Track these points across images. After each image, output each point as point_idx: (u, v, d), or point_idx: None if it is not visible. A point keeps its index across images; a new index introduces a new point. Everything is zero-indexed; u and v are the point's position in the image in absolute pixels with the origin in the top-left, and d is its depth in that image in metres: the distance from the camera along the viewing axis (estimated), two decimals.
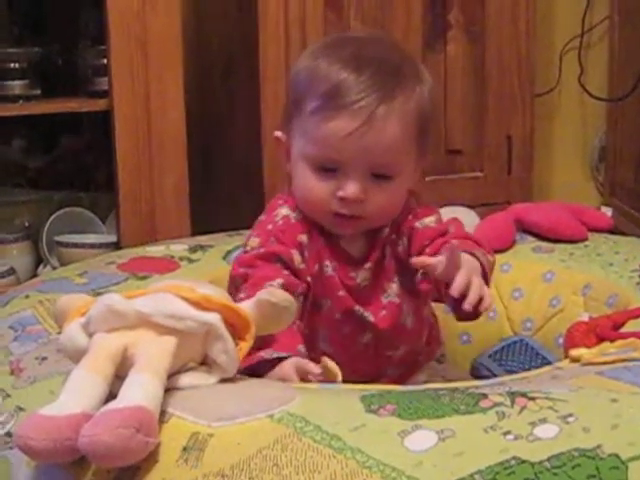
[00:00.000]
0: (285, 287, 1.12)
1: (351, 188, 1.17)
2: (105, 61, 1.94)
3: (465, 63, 2.33)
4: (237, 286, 1.17)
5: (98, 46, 1.98)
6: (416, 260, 1.18)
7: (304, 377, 1.03)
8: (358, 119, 1.14)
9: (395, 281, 1.26)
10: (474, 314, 1.15)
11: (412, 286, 1.27)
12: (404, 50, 1.24)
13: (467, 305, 1.11)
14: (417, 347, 1.30)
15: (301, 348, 1.11)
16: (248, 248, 1.21)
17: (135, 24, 1.90)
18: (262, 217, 1.25)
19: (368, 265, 1.24)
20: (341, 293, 1.23)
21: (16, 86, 1.98)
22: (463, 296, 1.12)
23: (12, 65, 1.99)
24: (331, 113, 1.15)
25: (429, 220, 1.26)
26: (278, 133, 1.26)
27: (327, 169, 1.18)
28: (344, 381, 1.04)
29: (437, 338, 1.36)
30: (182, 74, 1.94)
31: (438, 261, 1.14)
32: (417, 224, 1.26)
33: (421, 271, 1.23)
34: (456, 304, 1.15)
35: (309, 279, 1.20)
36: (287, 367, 1.05)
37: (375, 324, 1.24)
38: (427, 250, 1.22)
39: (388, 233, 1.25)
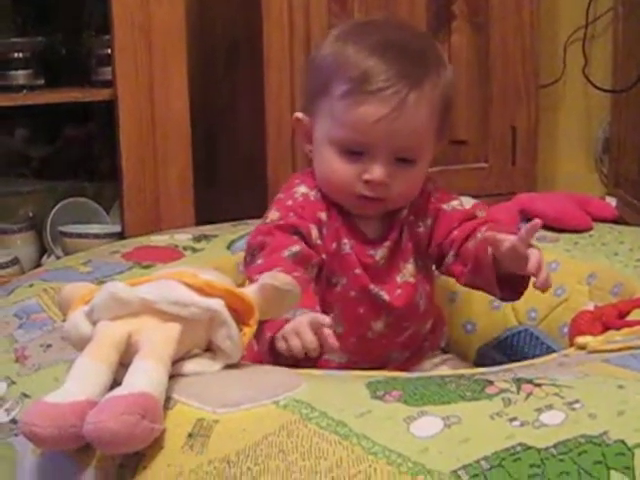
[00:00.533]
0: (301, 255, 1.16)
1: (377, 172, 1.19)
2: (109, 51, 1.94)
3: (469, 54, 2.33)
4: (254, 254, 1.19)
5: (102, 36, 1.97)
6: (488, 234, 1.18)
7: (317, 330, 1.03)
8: (388, 105, 1.16)
9: (411, 262, 1.27)
10: (519, 293, 1.21)
11: (427, 269, 1.30)
12: (426, 35, 1.28)
13: (540, 283, 1.14)
14: (423, 331, 1.30)
15: (318, 309, 1.13)
16: (268, 220, 1.22)
17: (139, 14, 1.90)
18: (280, 195, 1.26)
19: (386, 244, 1.25)
20: (357, 271, 1.23)
21: (20, 76, 1.98)
22: (517, 277, 1.17)
23: (16, 55, 1.99)
24: (361, 98, 1.16)
25: (456, 203, 1.29)
26: (299, 114, 1.26)
27: (353, 152, 1.19)
28: (350, 368, 1.04)
29: (441, 326, 1.36)
30: (186, 64, 1.94)
31: (508, 239, 1.14)
32: (444, 206, 1.28)
33: (452, 252, 1.25)
34: (503, 283, 1.19)
35: (324, 256, 1.21)
36: (301, 318, 1.05)
37: (390, 302, 1.24)
38: (455, 232, 1.25)
39: (406, 214, 1.27)
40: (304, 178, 1.27)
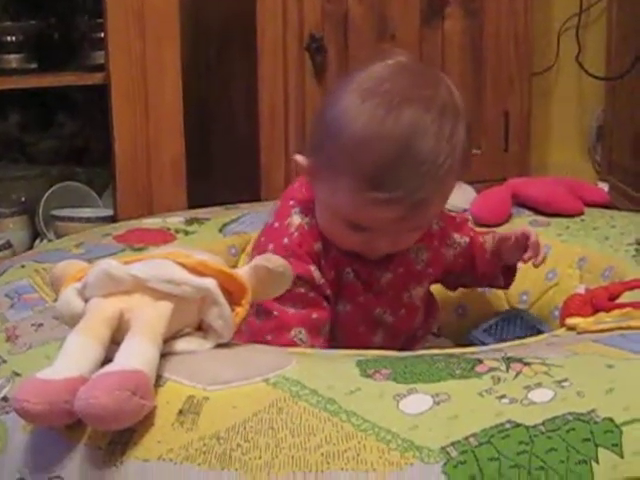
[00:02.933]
0: (310, 330, 1.15)
1: (384, 247, 1.17)
2: (102, 35, 1.94)
3: (462, 40, 2.33)
4: (259, 314, 1.16)
5: (95, 19, 1.97)
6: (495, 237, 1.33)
7: None
8: (406, 210, 1.10)
9: (425, 286, 1.28)
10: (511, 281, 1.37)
11: (430, 295, 1.34)
12: (444, 80, 1.16)
13: (538, 261, 1.31)
14: (417, 329, 1.31)
15: None
16: None
17: None
18: (274, 223, 1.21)
19: (391, 267, 1.23)
20: (361, 299, 1.22)
21: (12, 59, 1.99)
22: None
23: (8, 38, 1.99)
24: (375, 203, 1.09)
25: (457, 237, 1.33)
26: (299, 159, 1.19)
27: (359, 227, 1.14)
28: None
29: (434, 312, 1.36)
30: (179, 48, 1.94)
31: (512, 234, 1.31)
32: (450, 253, 1.32)
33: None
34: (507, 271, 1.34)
35: (328, 292, 1.18)
36: None
37: (393, 324, 1.24)
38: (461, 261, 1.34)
39: (431, 230, 1.26)
40: (298, 200, 1.22)
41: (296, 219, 1.19)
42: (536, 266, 1.32)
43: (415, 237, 1.20)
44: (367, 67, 1.14)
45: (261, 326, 1.15)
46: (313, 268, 1.17)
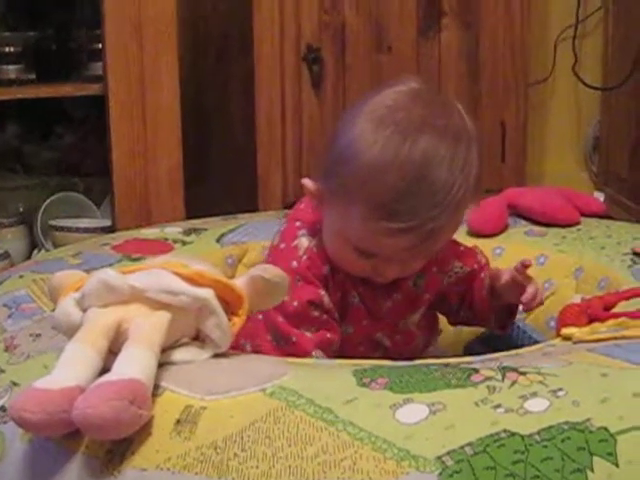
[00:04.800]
0: (325, 351, 1.16)
1: (392, 274, 1.17)
2: (100, 46, 1.94)
3: (459, 51, 2.34)
4: (279, 340, 1.17)
5: (93, 31, 1.98)
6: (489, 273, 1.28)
7: None
8: (418, 237, 1.09)
9: (420, 312, 1.27)
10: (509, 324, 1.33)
11: (433, 318, 1.33)
12: (455, 106, 1.16)
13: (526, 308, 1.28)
14: (417, 348, 1.32)
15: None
16: None
17: (130, 9, 1.91)
18: (281, 245, 1.21)
19: (396, 296, 1.23)
20: (365, 323, 1.23)
21: (11, 70, 1.99)
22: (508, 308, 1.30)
23: (7, 49, 2.00)
24: (389, 231, 1.09)
25: (458, 267, 1.31)
26: (307, 183, 1.18)
27: (369, 253, 1.14)
28: None
29: (436, 328, 1.37)
30: (177, 58, 1.95)
31: (507, 272, 1.25)
32: (445, 280, 1.30)
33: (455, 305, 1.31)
34: (502, 314, 1.30)
35: (337, 315, 1.19)
36: None
37: (390, 348, 1.25)
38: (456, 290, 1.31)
39: (429, 267, 1.25)
40: (304, 221, 1.21)
41: (304, 241, 1.19)
42: (527, 310, 1.30)
43: (423, 263, 1.20)
44: (379, 93, 1.13)
45: (282, 352, 1.14)
46: (322, 292, 1.17)
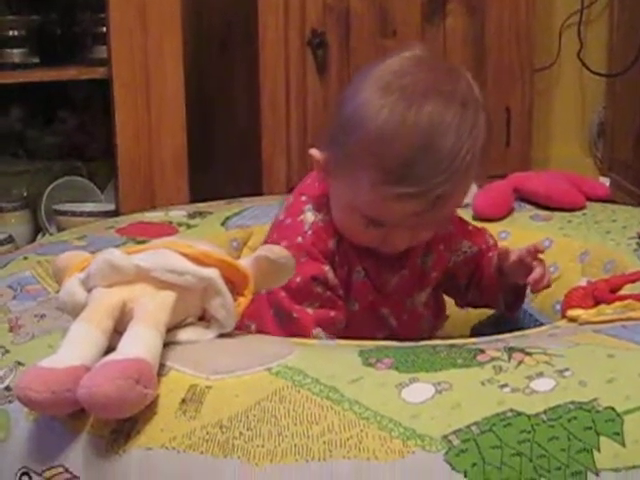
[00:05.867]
0: (328, 329, 1.15)
1: (402, 243, 1.16)
2: (104, 29, 1.94)
3: (464, 36, 2.33)
4: (281, 316, 1.16)
5: (97, 14, 1.97)
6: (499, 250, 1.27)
7: None
8: (429, 204, 1.09)
9: (427, 291, 1.27)
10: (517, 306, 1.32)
11: (439, 303, 1.33)
12: (462, 72, 1.15)
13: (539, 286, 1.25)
14: (423, 331, 1.31)
15: None
16: None
17: None
18: (286, 220, 1.20)
19: (404, 272, 1.23)
20: (371, 297, 1.22)
21: (15, 54, 1.99)
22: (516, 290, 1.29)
23: (11, 33, 1.99)
24: (399, 197, 1.08)
25: (467, 246, 1.31)
26: (315, 153, 1.17)
27: (376, 222, 1.14)
28: None
29: (443, 312, 1.36)
30: (181, 42, 1.94)
31: (515, 251, 1.24)
32: (453, 259, 1.30)
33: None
34: (510, 295, 1.29)
35: (341, 292, 1.18)
36: None
37: (396, 328, 1.24)
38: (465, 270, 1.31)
39: (433, 244, 1.25)
40: (310, 195, 1.21)
41: (309, 216, 1.18)
42: (534, 291, 1.29)
43: (432, 232, 1.19)
44: (384, 60, 1.13)
45: (283, 328, 1.14)
46: (327, 268, 1.16)
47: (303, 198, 1.21)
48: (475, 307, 1.40)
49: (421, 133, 1.06)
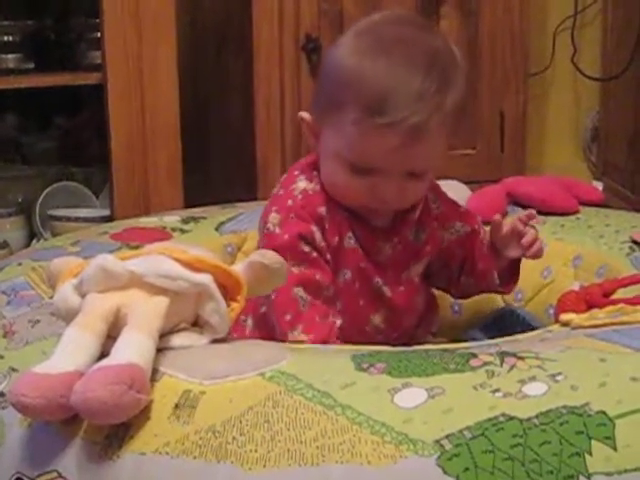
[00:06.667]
0: (311, 290, 1.17)
1: (389, 193, 1.17)
2: (98, 35, 1.94)
3: (458, 40, 2.32)
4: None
5: (91, 19, 1.98)
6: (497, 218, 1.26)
7: None
8: (405, 134, 1.12)
9: (422, 263, 1.28)
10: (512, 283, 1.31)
11: (431, 297, 1.34)
12: (441, 34, 1.21)
13: (530, 254, 1.25)
14: (416, 322, 1.32)
15: (336, 341, 1.16)
16: (269, 225, 1.19)
17: None
18: (280, 192, 1.23)
19: (395, 239, 1.24)
20: (362, 265, 1.23)
21: (9, 59, 1.99)
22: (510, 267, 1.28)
23: (5, 38, 1.99)
24: (378, 129, 1.12)
25: (459, 226, 1.32)
26: (305, 115, 1.23)
27: (364, 170, 1.17)
28: None
29: (434, 312, 1.37)
30: (175, 47, 1.94)
31: (507, 223, 1.25)
32: (446, 237, 1.31)
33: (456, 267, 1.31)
34: (505, 272, 1.29)
35: (328, 256, 1.19)
36: None
37: (391, 299, 1.25)
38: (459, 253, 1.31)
39: (427, 218, 1.27)
40: (303, 169, 1.24)
41: (301, 185, 1.21)
42: (528, 257, 1.27)
43: (418, 190, 1.20)
44: (366, 18, 1.20)
45: None
46: (315, 229, 1.18)
47: (296, 172, 1.24)
48: (469, 296, 1.39)
49: (394, 69, 1.12)
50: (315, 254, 1.18)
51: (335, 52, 1.18)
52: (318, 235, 1.18)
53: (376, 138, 1.13)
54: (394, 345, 1.25)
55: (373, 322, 1.25)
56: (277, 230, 1.18)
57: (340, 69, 1.16)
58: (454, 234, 1.31)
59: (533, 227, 1.26)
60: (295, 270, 1.16)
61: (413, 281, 1.27)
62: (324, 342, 1.13)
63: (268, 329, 1.20)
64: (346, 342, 1.19)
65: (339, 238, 1.20)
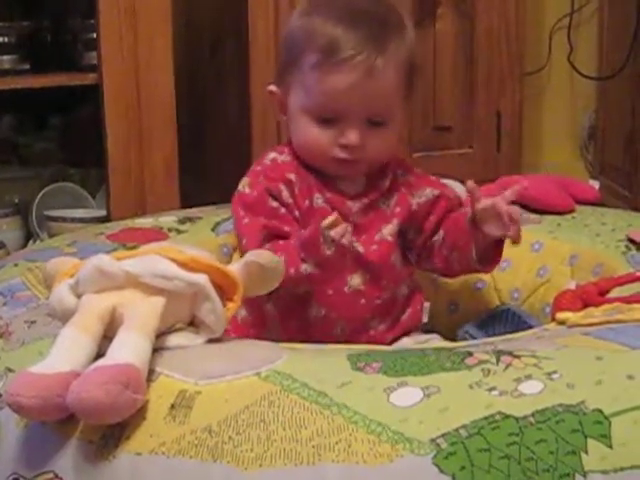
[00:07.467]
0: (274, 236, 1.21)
1: (352, 136, 1.23)
2: (94, 35, 1.94)
3: (454, 41, 2.34)
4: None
5: (87, 20, 1.97)
6: (471, 185, 1.26)
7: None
8: (357, 72, 1.20)
9: (394, 224, 1.30)
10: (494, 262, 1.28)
11: (407, 241, 1.34)
12: (390, 3, 1.30)
13: (511, 235, 1.22)
14: (400, 297, 1.31)
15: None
16: (240, 187, 1.28)
17: None
18: (255, 167, 1.30)
19: (365, 200, 1.29)
20: None
21: (5, 60, 1.98)
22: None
23: (1, 39, 1.99)
24: (331, 67, 1.21)
25: (428, 191, 1.33)
26: (272, 87, 1.30)
27: (327, 119, 1.24)
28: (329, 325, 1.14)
29: (420, 299, 1.36)
30: (171, 47, 1.94)
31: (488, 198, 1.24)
32: (415, 201, 1.32)
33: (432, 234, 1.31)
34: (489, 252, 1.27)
35: (297, 214, 1.25)
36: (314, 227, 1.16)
37: (364, 255, 1.27)
38: (433, 217, 1.32)
39: (396, 184, 1.31)
40: (275, 147, 1.33)
41: (271, 155, 1.30)
42: (513, 241, 1.25)
43: (380, 142, 1.25)
44: None
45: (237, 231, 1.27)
46: (283, 187, 1.25)
47: (269, 151, 1.32)
48: (454, 273, 1.37)
49: (341, 20, 1.21)
50: (283, 210, 1.24)
51: (288, 22, 1.30)
52: (286, 193, 1.25)
53: (333, 77, 1.21)
54: (379, 326, 1.28)
55: (351, 283, 1.27)
56: (247, 190, 1.26)
57: (293, 30, 1.27)
58: (423, 198, 1.33)
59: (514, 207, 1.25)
60: (262, 219, 1.23)
61: (386, 240, 1.30)
62: (294, 265, 1.16)
63: (257, 312, 1.26)
64: (329, 308, 1.25)
65: (309, 201, 1.26)
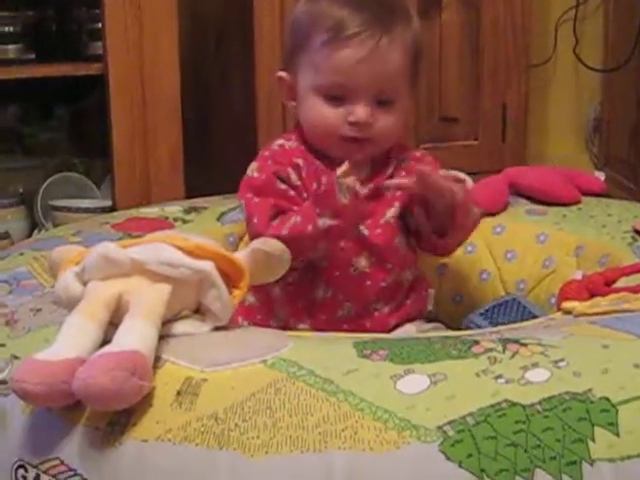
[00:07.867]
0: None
1: (361, 112, 1.25)
2: (99, 25, 1.94)
3: (460, 32, 2.34)
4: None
5: (92, 10, 1.97)
6: (388, 182, 1.29)
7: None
8: (365, 48, 1.23)
9: (395, 207, 1.31)
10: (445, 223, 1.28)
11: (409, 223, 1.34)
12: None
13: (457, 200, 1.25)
14: (405, 282, 1.32)
15: None
16: (248, 171, 1.29)
17: None
18: (261, 152, 1.32)
19: (370, 185, 1.29)
20: None
21: (10, 50, 1.98)
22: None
23: (6, 29, 1.99)
24: (339, 44, 1.24)
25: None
26: (282, 73, 1.32)
27: (336, 97, 1.26)
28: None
29: (425, 286, 1.38)
30: (177, 38, 1.94)
31: (411, 179, 1.26)
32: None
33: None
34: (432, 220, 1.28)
35: (305, 196, 1.26)
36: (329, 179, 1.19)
37: (369, 238, 1.28)
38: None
39: (397, 168, 1.32)
40: (283, 135, 1.35)
41: (279, 141, 1.32)
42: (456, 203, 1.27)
43: (387, 124, 1.26)
44: None
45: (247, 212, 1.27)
46: (290, 170, 1.27)
47: (277, 138, 1.34)
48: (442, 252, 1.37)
49: (348, 2, 1.25)
50: (292, 192, 1.26)
51: (294, 10, 1.33)
52: (294, 176, 1.27)
53: (341, 52, 1.23)
54: (384, 309, 1.29)
55: (357, 265, 1.28)
56: (255, 174, 1.28)
57: (299, 16, 1.30)
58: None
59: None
60: (272, 200, 1.24)
61: (389, 223, 1.31)
62: (312, 221, 1.19)
63: (264, 298, 1.28)
64: (335, 290, 1.26)
65: (317, 185, 1.27)
